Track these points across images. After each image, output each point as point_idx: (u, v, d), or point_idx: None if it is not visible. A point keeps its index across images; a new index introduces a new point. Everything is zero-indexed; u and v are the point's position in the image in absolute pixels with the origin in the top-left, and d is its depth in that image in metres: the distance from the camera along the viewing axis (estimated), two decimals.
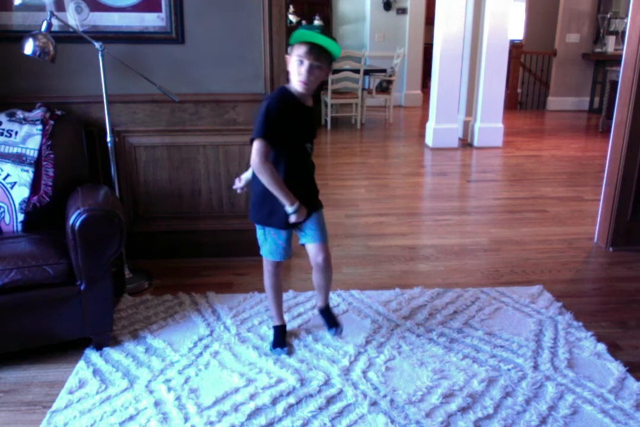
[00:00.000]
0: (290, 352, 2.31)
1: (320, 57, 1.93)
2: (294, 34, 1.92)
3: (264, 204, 2.11)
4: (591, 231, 3.67)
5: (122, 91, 2.88)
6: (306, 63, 1.92)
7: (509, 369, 2.20)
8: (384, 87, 7.95)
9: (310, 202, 2.17)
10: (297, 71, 1.94)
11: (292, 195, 2.04)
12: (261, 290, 2.83)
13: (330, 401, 2.01)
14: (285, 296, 2.76)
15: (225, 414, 1.94)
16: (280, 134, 1.99)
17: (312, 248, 2.23)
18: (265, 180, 2.01)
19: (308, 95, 2.05)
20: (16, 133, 2.52)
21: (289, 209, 2.04)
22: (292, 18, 9.66)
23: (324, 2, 9.87)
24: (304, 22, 9.82)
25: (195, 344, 2.36)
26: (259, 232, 2.22)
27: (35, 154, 2.52)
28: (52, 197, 2.52)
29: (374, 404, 2.00)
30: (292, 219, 2.06)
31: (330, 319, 2.42)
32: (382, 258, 3.31)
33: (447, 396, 2.04)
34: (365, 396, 2.03)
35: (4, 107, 2.63)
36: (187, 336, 2.43)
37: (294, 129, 2.04)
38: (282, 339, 2.36)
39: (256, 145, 1.98)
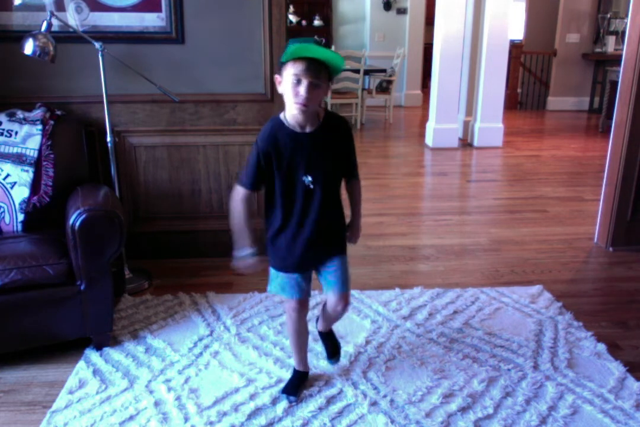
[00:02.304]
0: (297, 401, 2.02)
1: (320, 74, 1.64)
2: (287, 49, 1.63)
3: (270, 247, 1.90)
4: (591, 231, 3.67)
5: (122, 91, 2.88)
6: (305, 82, 1.63)
7: (509, 369, 2.20)
8: (384, 87, 7.95)
9: (320, 252, 1.90)
10: (294, 92, 1.65)
11: (245, 240, 1.81)
12: (261, 290, 2.83)
13: (330, 401, 2.01)
14: None
15: (225, 414, 1.94)
16: (270, 173, 1.78)
17: (332, 297, 1.96)
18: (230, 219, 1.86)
19: (307, 119, 1.75)
20: (16, 133, 2.52)
21: (235, 251, 1.84)
22: (292, 18, 9.67)
23: (324, 2, 9.86)
24: (303, 22, 9.83)
25: (195, 344, 2.36)
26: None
27: (35, 154, 2.52)
28: (52, 197, 2.52)
29: (374, 404, 2.00)
30: (235, 262, 1.85)
31: (331, 347, 2.18)
32: (382, 258, 3.31)
33: (447, 396, 2.04)
34: (365, 396, 2.03)
35: (4, 107, 2.63)
36: (187, 336, 2.43)
37: (284, 163, 1.76)
38: (296, 386, 2.05)
39: (236, 187, 1.84)
